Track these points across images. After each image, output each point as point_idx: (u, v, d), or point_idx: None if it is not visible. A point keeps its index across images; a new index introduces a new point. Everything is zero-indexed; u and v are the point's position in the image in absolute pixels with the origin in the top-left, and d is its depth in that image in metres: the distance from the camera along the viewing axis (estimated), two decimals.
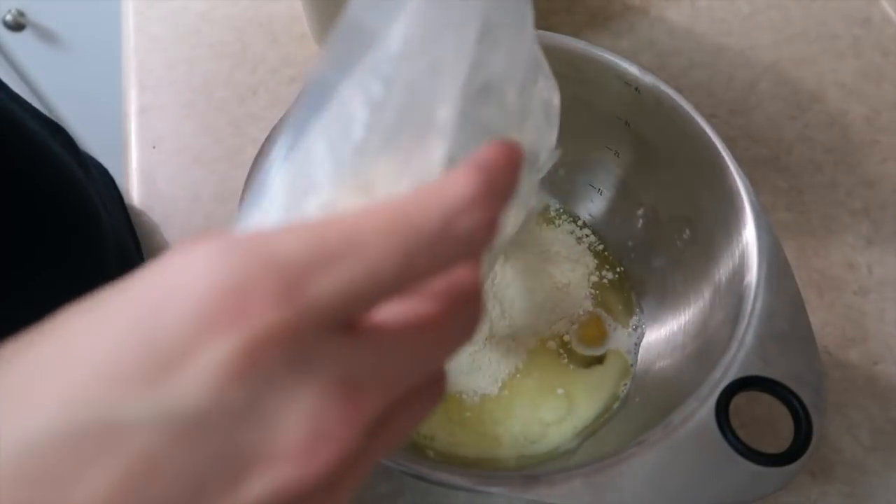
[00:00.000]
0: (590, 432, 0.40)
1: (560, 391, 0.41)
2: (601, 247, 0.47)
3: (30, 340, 0.14)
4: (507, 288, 0.44)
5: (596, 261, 0.46)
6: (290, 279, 0.13)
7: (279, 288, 0.13)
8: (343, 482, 0.14)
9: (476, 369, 0.41)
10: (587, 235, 0.47)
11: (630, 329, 0.43)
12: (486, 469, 0.38)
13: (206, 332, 0.12)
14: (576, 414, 0.40)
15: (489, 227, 0.15)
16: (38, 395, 0.12)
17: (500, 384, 0.41)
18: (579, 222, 0.47)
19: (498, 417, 0.40)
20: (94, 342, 0.13)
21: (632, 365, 0.42)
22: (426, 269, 0.14)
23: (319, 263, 0.13)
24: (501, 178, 0.15)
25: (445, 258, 0.15)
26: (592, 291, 0.45)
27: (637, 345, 0.43)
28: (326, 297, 0.13)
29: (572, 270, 0.45)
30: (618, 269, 0.46)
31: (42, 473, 0.12)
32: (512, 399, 0.40)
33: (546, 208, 0.48)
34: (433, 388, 0.17)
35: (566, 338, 0.43)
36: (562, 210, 0.48)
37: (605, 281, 0.45)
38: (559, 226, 0.47)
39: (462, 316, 0.16)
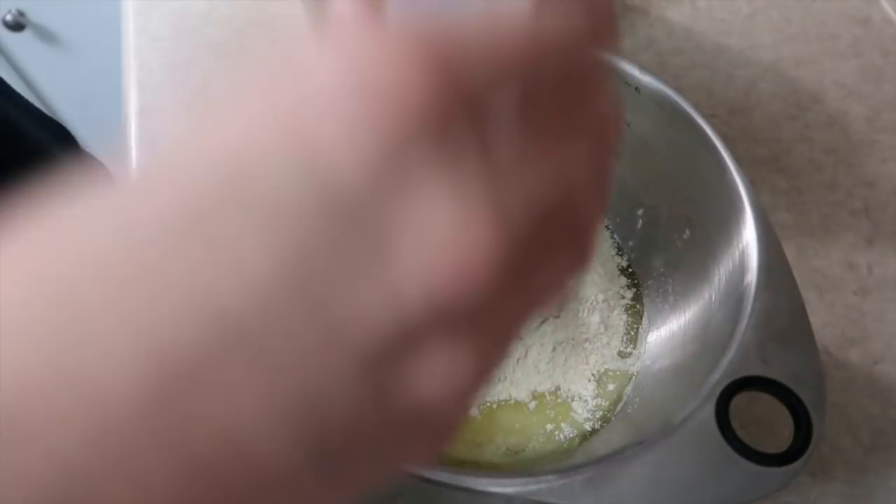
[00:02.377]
0: (590, 432, 0.40)
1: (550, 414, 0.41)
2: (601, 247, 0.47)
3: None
4: None
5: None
6: (452, 42, 0.12)
7: (439, 48, 0.12)
8: (493, 321, 0.13)
9: None
10: None
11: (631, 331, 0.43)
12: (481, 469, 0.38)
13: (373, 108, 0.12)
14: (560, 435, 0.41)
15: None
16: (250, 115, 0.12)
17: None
18: None
19: (481, 439, 0.40)
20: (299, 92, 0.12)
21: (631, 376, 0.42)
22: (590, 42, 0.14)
23: (483, 27, 0.12)
24: None
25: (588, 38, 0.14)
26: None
27: (637, 349, 0.43)
28: (493, 62, 0.12)
29: None
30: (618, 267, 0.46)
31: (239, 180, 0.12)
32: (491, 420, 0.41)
33: None
34: (577, 244, 0.15)
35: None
36: None
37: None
38: None
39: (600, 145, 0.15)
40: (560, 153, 0.14)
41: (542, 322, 0.42)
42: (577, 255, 0.15)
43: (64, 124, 0.45)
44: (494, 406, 0.40)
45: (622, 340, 0.43)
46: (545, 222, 0.13)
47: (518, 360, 0.41)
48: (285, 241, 0.11)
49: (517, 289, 0.13)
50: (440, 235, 0.12)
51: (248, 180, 0.12)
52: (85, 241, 0.12)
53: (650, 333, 0.43)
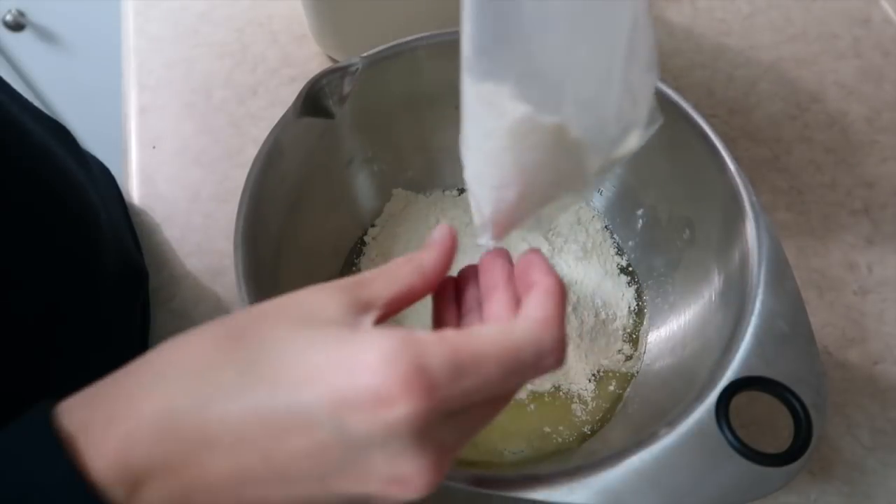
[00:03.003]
0: (589, 433, 0.40)
1: (547, 429, 0.41)
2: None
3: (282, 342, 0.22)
4: None
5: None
6: (434, 383, 0.20)
7: (427, 387, 0.20)
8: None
9: None
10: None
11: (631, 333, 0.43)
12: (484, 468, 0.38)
13: (376, 403, 0.20)
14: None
15: (560, 363, 0.23)
16: (288, 383, 0.21)
17: None
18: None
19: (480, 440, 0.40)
20: (322, 371, 0.21)
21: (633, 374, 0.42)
22: (516, 383, 0.23)
23: (454, 378, 0.20)
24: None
25: (528, 377, 0.23)
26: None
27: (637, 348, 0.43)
28: (452, 398, 0.20)
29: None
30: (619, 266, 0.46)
31: (275, 425, 0.20)
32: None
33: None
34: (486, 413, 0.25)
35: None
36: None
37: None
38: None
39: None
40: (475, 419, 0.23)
41: None
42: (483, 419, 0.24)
43: (64, 124, 0.45)
44: None
45: (622, 340, 0.43)
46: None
47: None
48: None
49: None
50: (404, 472, 0.21)
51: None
52: None
53: (650, 333, 0.43)
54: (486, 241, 0.28)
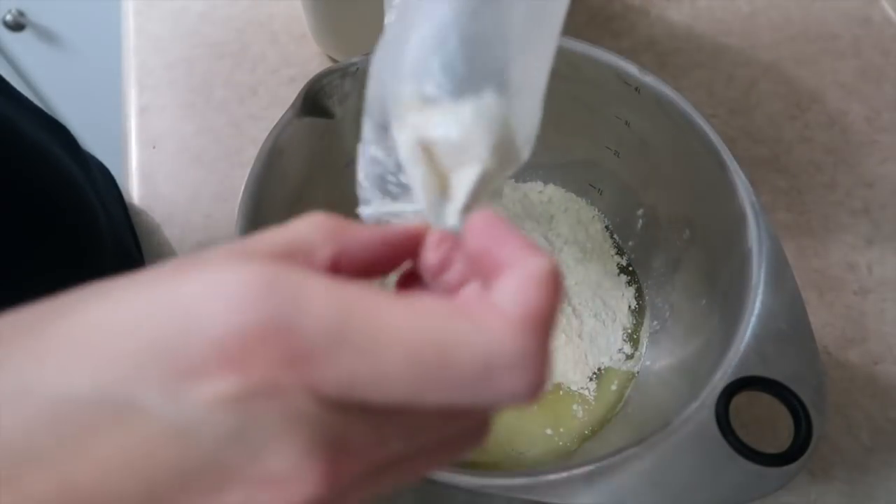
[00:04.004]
0: (590, 432, 0.40)
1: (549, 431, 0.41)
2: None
3: (79, 300, 0.15)
4: None
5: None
6: (303, 355, 0.14)
7: (290, 358, 0.14)
8: None
9: None
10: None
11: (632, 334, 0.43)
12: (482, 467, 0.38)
13: (222, 365, 0.14)
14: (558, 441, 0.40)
15: (534, 393, 0.15)
16: (83, 356, 0.14)
17: None
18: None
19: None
20: (135, 326, 0.14)
21: (636, 372, 0.42)
22: (438, 405, 0.14)
23: (334, 351, 0.14)
24: (550, 327, 0.15)
25: (463, 399, 0.14)
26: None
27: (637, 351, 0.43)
28: (327, 384, 0.14)
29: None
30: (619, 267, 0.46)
31: (66, 426, 0.13)
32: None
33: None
34: (426, 460, 0.17)
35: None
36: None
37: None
38: None
39: (465, 432, 0.17)
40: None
41: None
42: (422, 468, 0.17)
43: (64, 124, 0.45)
44: None
45: (622, 340, 0.43)
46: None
47: None
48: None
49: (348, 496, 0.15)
50: (273, 471, 0.14)
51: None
52: None
53: (650, 333, 0.43)
54: (453, 220, 0.22)
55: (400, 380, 0.14)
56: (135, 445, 0.14)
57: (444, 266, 0.18)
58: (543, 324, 0.15)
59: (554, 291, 0.15)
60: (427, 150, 0.22)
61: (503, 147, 0.22)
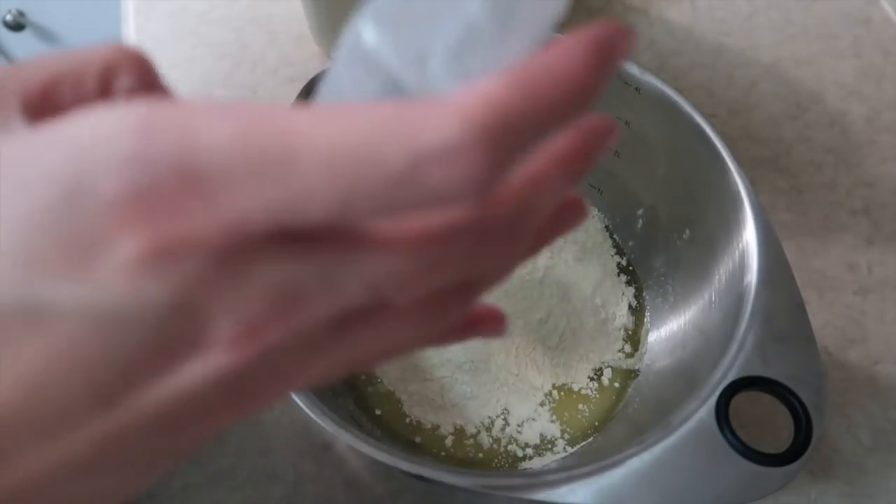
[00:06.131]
0: (591, 432, 0.40)
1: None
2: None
3: None
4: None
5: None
6: (210, 192, 0.11)
7: (194, 193, 0.11)
8: (282, 375, 0.14)
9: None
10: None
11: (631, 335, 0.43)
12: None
13: (119, 226, 0.11)
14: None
15: (470, 191, 0.11)
16: None
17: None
18: None
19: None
20: (10, 206, 0.12)
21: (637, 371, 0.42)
22: (375, 212, 0.12)
23: (244, 180, 0.11)
24: (533, 113, 0.12)
25: (406, 206, 0.12)
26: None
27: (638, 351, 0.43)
28: (247, 220, 0.12)
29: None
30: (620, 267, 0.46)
31: None
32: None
33: None
34: (402, 324, 0.14)
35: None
36: None
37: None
38: None
39: (443, 261, 0.13)
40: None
41: (544, 321, 0.42)
42: (396, 332, 0.15)
43: None
44: None
45: (623, 340, 0.43)
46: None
47: (519, 361, 0.41)
48: None
49: (314, 351, 0.14)
50: (224, 330, 0.12)
51: None
52: None
53: (650, 333, 0.43)
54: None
55: (320, 192, 0.11)
56: (57, 348, 0.12)
57: None
58: (496, 116, 0.11)
59: (539, 88, 0.12)
60: None
61: None
